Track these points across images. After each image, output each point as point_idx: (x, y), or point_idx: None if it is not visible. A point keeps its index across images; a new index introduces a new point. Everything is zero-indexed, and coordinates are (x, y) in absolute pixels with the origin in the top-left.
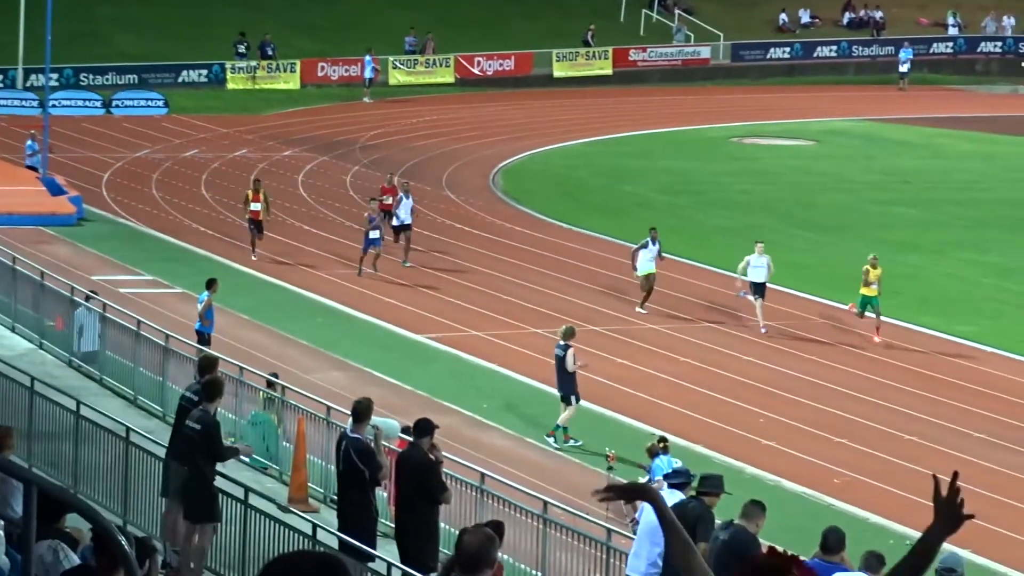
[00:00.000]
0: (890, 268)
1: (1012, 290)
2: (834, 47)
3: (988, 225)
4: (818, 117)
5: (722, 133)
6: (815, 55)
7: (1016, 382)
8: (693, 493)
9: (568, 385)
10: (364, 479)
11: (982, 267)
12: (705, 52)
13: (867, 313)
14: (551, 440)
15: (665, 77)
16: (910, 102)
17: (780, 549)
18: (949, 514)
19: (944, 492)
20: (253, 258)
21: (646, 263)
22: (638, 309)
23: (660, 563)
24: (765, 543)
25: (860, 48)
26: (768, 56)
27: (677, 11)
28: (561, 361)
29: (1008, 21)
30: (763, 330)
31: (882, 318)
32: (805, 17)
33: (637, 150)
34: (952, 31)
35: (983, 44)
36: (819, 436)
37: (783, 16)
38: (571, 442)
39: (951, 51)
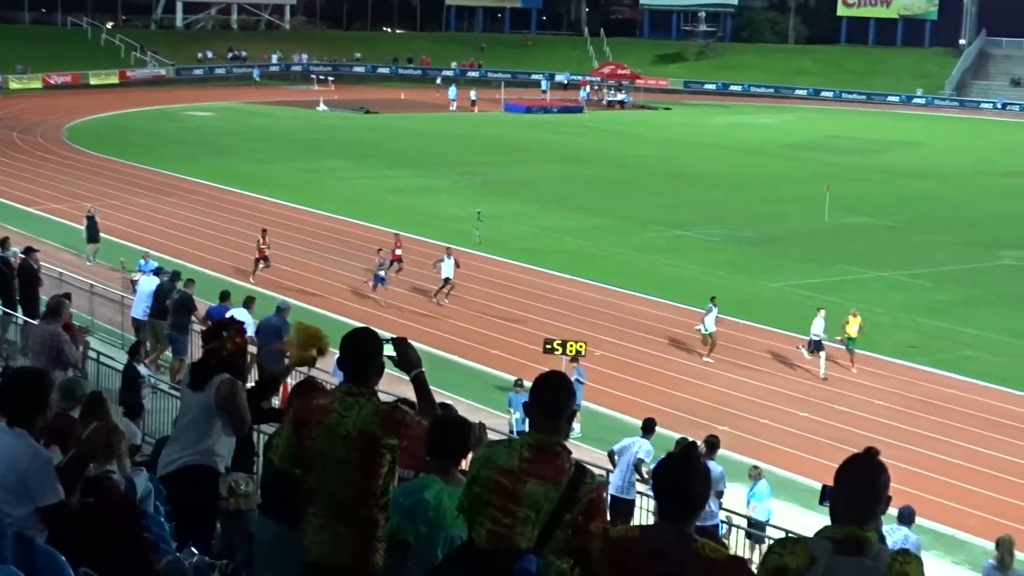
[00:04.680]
0: (258, 171)
1: (318, 173)
2: (224, 68)
3: (319, 151)
4: (215, 102)
5: (175, 110)
6: (214, 72)
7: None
8: (167, 279)
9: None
10: None
11: (314, 170)
12: (163, 71)
13: (851, 349)
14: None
15: (147, 83)
16: (265, 95)
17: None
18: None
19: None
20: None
21: (710, 324)
22: (706, 359)
23: (149, 311)
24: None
25: (235, 68)
26: (193, 73)
27: (149, 52)
28: (93, 220)
29: (302, 56)
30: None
31: (856, 351)
32: (211, 54)
33: (136, 119)
34: (276, 59)
35: (294, 66)
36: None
37: (199, 54)
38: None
39: (280, 70)
